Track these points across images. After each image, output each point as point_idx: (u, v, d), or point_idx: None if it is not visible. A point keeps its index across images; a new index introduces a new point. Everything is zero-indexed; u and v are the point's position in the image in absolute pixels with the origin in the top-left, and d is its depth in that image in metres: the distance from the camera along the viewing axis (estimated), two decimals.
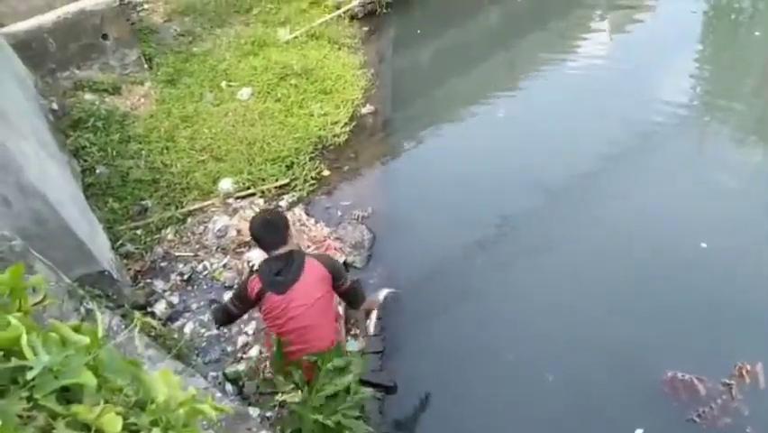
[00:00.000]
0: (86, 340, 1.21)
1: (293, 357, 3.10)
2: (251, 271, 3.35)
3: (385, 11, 8.65)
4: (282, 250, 3.14)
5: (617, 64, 7.25)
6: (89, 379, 1.08)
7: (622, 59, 7.39)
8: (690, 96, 6.72)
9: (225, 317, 3.39)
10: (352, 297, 3.40)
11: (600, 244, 4.87)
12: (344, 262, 4.93)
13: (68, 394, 1.09)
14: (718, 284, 4.43)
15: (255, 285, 3.13)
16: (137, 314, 1.38)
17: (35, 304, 1.46)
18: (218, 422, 2.26)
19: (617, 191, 5.36)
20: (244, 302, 3.23)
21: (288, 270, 3.10)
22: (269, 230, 3.18)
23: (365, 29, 8.35)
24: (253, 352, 4.33)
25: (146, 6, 8.24)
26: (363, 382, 3.33)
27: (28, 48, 6.32)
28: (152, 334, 2.60)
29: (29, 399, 1.04)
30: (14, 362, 1.07)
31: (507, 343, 4.26)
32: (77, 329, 1.26)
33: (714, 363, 3.89)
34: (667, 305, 4.33)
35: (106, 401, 1.13)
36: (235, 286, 3.95)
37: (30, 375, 1.04)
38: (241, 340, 4.40)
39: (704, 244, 4.69)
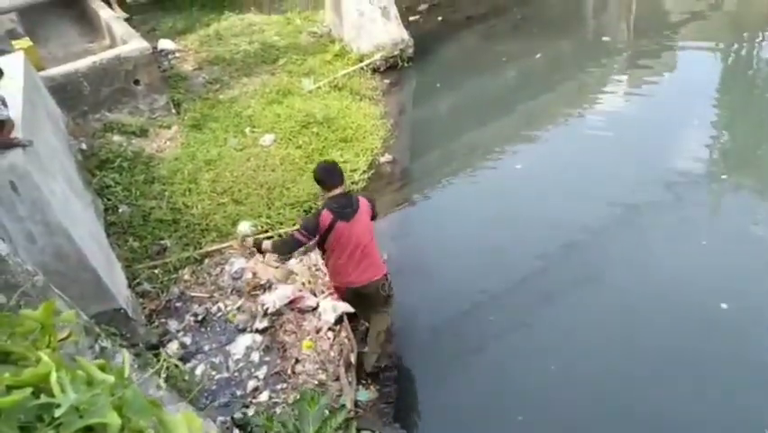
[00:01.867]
0: (111, 379, 1.23)
1: (359, 283, 4.04)
2: (319, 210, 4.02)
3: (406, 64, 8.92)
4: (340, 189, 3.97)
5: (635, 120, 7.34)
6: (114, 419, 1.09)
7: (640, 115, 7.47)
8: (709, 152, 6.75)
9: (293, 247, 4.19)
10: (375, 215, 4.24)
11: (615, 302, 4.79)
12: None
13: None
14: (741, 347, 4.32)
15: (327, 217, 3.88)
16: (163, 354, 1.39)
17: (61, 340, 1.49)
18: None
19: (634, 248, 5.31)
20: (314, 233, 3.96)
21: (349, 204, 3.95)
22: (331, 173, 4.01)
23: (386, 81, 8.60)
24: (263, 397, 4.27)
25: (177, 55, 8.60)
26: None
27: (63, 90, 6.61)
28: (164, 375, 2.60)
29: None
30: (43, 399, 1.08)
31: (519, 400, 4.16)
32: (102, 368, 1.28)
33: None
34: (689, 371, 4.22)
35: None
36: (300, 232, 4.08)
37: (57, 413, 1.05)
38: (251, 384, 4.35)
39: (724, 306, 4.60)
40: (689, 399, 4.00)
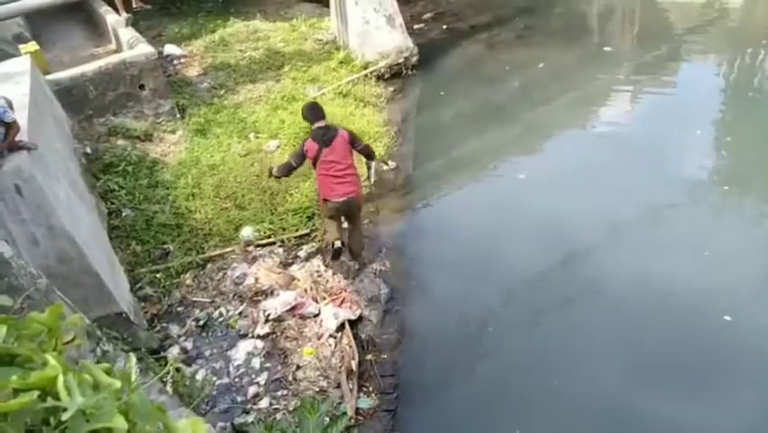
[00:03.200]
0: (117, 384, 1.23)
1: (335, 195, 4.96)
2: (305, 140, 5.08)
3: (410, 72, 8.96)
4: (322, 123, 5.02)
5: (638, 131, 7.34)
6: (120, 423, 1.09)
7: (644, 126, 7.48)
8: (711, 163, 6.74)
9: (288, 168, 5.16)
10: (366, 152, 5.37)
11: (618, 314, 4.76)
12: (360, 317, 4.91)
13: None
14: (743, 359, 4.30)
15: (311, 144, 4.96)
16: (169, 359, 1.39)
17: (66, 343, 1.49)
18: None
19: (636, 259, 5.29)
20: (301, 157, 5.05)
21: (329, 133, 4.97)
22: (315, 110, 5.10)
23: (391, 89, 8.62)
24: (263, 403, 4.26)
25: (183, 60, 8.64)
26: None
27: (69, 94, 6.64)
28: (170, 380, 2.59)
29: None
30: (50, 402, 1.08)
31: (519, 413, 4.14)
32: (108, 372, 1.28)
33: None
34: (692, 384, 4.20)
35: None
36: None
37: (64, 417, 1.05)
38: (251, 390, 4.34)
39: (728, 318, 4.59)
40: (692, 412, 3.97)
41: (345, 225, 5.42)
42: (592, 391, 4.19)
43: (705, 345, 4.44)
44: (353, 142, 5.10)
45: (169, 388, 1.60)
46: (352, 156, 5.11)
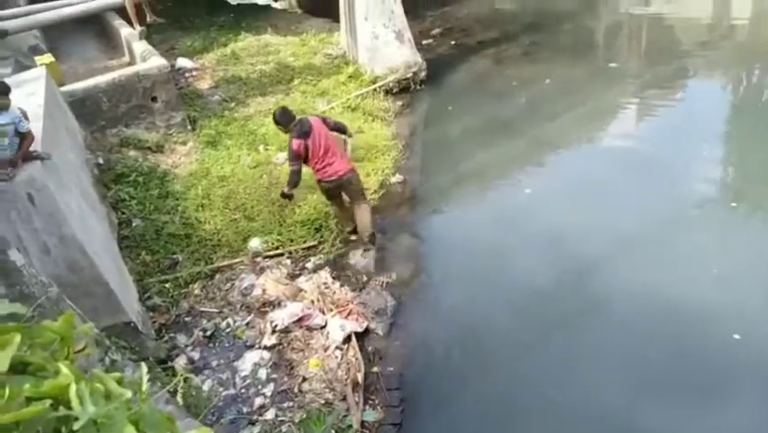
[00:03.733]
0: (128, 393, 1.25)
1: (336, 175, 5.45)
2: (290, 143, 5.43)
3: (419, 87, 9.03)
4: (295, 121, 5.45)
5: (645, 147, 7.34)
6: None
7: (650, 142, 7.47)
8: (718, 181, 6.72)
9: (297, 178, 5.50)
10: (339, 127, 5.77)
11: (624, 331, 4.72)
12: (366, 329, 4.91)
13: None
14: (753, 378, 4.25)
15: (297, 142, 5.33)
16: (180, 369, 1.41)
17: (77, 352, 1.51)
18: None
19: (643, 276, 5.25)
20: (297, 158, 5.39)
21: (304, 126, 5.40)
22: (286, 115, 5.50)
23: (399, 103, 8.69)
24: (269, 415, 4.26)
25: (195, 73, 8.75)
26: None
27: (83, 105, 6.75)
28: (180, 390, 2.61)
29: None
30: (62, 411, 1.10)
31: (523, 429, 4.11)
32: (119, 381, 1.30)
33: None
34: (701, 404, 4.16)
35: None
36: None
37: (76, 426, 1.07)
38: (257, 402, 4.34)
39: (737, 336, 4.54)
40: (698, 431, 3.93)
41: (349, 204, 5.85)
42: (598, 408, 4.15)
43: (714, 363, 4.38)
44: (325, 122, 5.60)
45: (179, 398, 1.63)
46: (333, 136, 5.62)
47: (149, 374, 3.29)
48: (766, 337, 4.52)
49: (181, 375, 1.26)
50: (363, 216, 5.71)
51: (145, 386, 1.30)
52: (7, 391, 1.06)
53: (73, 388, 1.14)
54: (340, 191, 5.68)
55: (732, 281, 5.08)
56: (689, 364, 4.38)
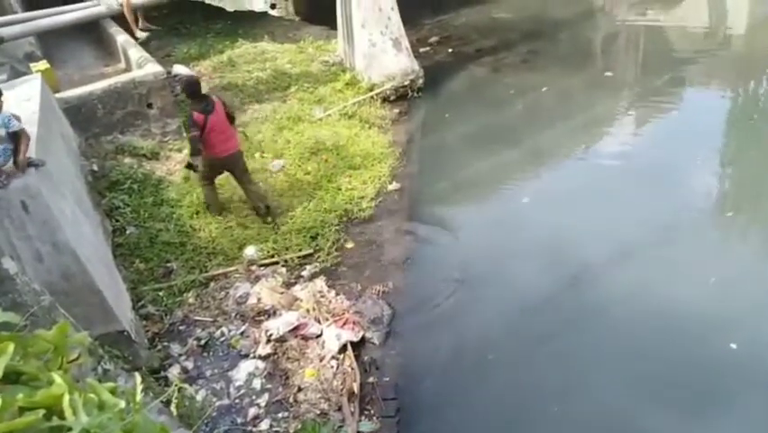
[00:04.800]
0: (121, 403, 1.22)
1: (220, 151, 5.91)
2: (190, 113, 5.79)
3: (416, 95, 9.04)
4: (199, 95, 5.84)
5: (644, 156, 7.35)
6: None
7: (646, 152, 7.50)
8: (715, 190, 6.75)
9: (194, 142, 5.79)
10: (231, 116, 6.11)
11: (620, 341, 4.71)
12: (362, 339, 4.88)
13: None
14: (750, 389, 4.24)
15: (198, 116, 5.71)
16: (175, 379, 1.38)
17: (70, 361, 1.48)
18: None
19: (639, 285, 5.24)
20: (196, 126, 5.72)
21: (209, 103, 5.82)
22: (195, 87, 5.90)
23: (396, 111, 8.69)
24: (264, 425, 4.21)
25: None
26: None
27: (78, 112, 6.72)
28: (174, 401, 2.56)
29: None
30: (55, 421, 1.08)
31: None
32: (112, 391, 1.27)
33: None
34: (698, 414, 4.14)
35: None
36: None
37: None
38: (252, 412, 4.30)
39: (734, 345, 4.54)
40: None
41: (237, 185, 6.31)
42: (593, 418, 4.13)
43: (711, 372, 4.38)
44: (225, 106, 6.04)
45: (173, 408, 1.61)
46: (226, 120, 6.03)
47: (142, 384, 3.24)
48: (762, 347, 4.51)
49: (175, 385, 1.24)
50: (255, 190, 6.22)
51: (139, 396, 1.28)
52: (0, 400, 1.04)
53: (66, 398, 1.12)
54: (222, 171, 6.20)
55: (728, 291, 5.09)
56: (686, 373, 4.37)
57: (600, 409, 4.20)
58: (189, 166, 6.04)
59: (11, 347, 1.14)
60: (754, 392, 4.21)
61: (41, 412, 1.08)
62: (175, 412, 2.16)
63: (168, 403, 4.00)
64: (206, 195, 6.20)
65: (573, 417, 4.14)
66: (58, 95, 6.68)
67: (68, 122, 6.48)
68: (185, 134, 7.47)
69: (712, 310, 4.89)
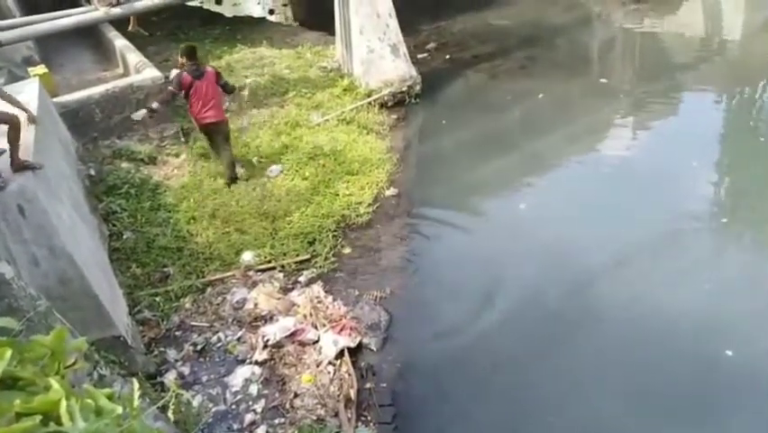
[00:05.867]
0: (119, 409, 1.22)
1: (206, 120, 6.48)
2: (180, 72, 6.42)
3: (413, 101, 9.06)
4: (195, 61, 6.45)
5: (639, 162, 7.38)
6: None
7: (642, 159, 7.53)
8: (710, 196, 6.77)
9: (167, 96, 6.47)
10: (228, 88, 6.81)
11: (616, 349, 4.70)
12: (359, 344, 4.86)
13: None
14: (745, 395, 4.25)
15: (187, 77, 6.30)
16: (173, 385, 1.38)
17: (67, 367, 1.48)
18: None
19: (634, 292, 5.24)
20: (177, 87, 6.32)
21: (199, 69, 6.42)
22: (193, 52, 6.49)
23: (394, 116, 8.71)
24: (260, 431, 4.19)
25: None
26: None
27: (75, 116, 6.72)
28: (172, 406, 2.55)
29: None
30: (52, 427, 1.07)
31: None
32: (110, 397, 1.27)
33: None
34: (689, 416, 4.14)
35: None
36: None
37: None
38: (248, 418, 4.28)
39: (729, 352, 4.54)
40: None
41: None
42: (590, 427, 4.12)
43: (707, 379, 4.38)
44: (218, 78, 6.51)
45: (170, 414, 1.61)
46: (219, 90, 6.55)
47: (139, 390, 3.24)
48: (757, 353, 4.52)
49: (173, 391, 1.24)
50: (226, 156, 6.78)
51: (136, 402, 1.27)
52: None
53: (63, 404, 1.11)
54: (215, 134, 6.69)
55: (723, 297, 5.10)
56: (682, 380, 4.37)
57: (597, 419, 4.19)
58: (150, 110, 6.49)
59: (8, 353, 1.14)
60: (749, 397, 4.21)
61: (38, 418, 1.07)
62: (172, 418, 2.15)
63: (164, 409, 3.99)
64: (213, 155, 6.90)
65: (570, 426, 4.13)
66: (55, 99, 6.68)
67: (65, 126, 6.47)
68: (182, 139, 7.52)
69: (707, 316, 4.90)
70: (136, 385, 1.30)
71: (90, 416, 1.14)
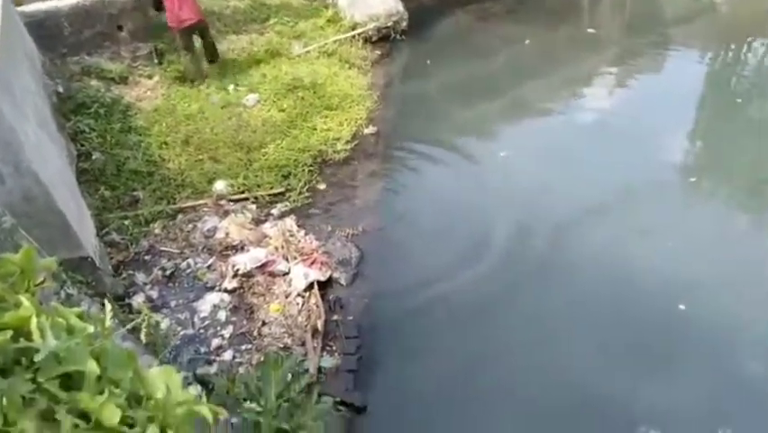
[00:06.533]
0: (90, 328, 1.24)
1: (181, 21, 6.79)
2: None
3: (399, 37, 8.83)
4: None
5: (618, 116, 7.43)
6: (92, 368, 1.10)
7: (623, 112, 7.57)
8: (684, 155, 6.91)
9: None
10: None
11: (578, 296, 4.93)
12: (330, 278, 4.96)
13: (69, 381, 1.11)
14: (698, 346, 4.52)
15: None
16: (140, 308, 1.40)
17: (37, 285, 1.48)
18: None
19: (603, 242, 5.43)
20: None
21: None
22: None
23: (377, 52, 8.50)
24: (227, 356, 4.31)
25: (165, 4, 8.30)
26: (336, 402, 3.35)
27: (42, 28, 6.36)
28: (144, 330, 2.59)
29: (32, 381, 1.06)
30: (23, 343, 1.09)
31: (481, 382, 4.28)
32: (80, 316, 1.29)
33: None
34: (643, 365, 4.40)
35: (101, 392, 1.16)
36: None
37: (36, 358, 1.06)
38: (215, 343, 4.38)
39: (682, 306, 4.79)
40: (644, 392, 4.17)
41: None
42: (553, 371, 4.33)
43: (660, 331, 4.62)
44: None
45: (142, 336, 1.65)
46: None
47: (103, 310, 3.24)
48: (708, 309, 4.77)
49: (145, 314, 1.26)
50: (209, 45, 7.29)
51: (108, 322, 1.30)
52: None
53: (34, 321, 1.13)
54: (191, 37, 7.00)
55: (684, 254, 5.31)
56: (638, 331, 4.60)
57: (561, 366, 4.39)
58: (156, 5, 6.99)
59: None
60: (698, 351, 4.47)
61: (9, 334, 1.09)
62: (144, 340, 2.19)
63: (134, 330, 4.05)
64: (185, 63, 7.08)
65: (532, 369, 4.33)
66: (20, 8, 6.29)
67: (31, 38, 6.14)
68: (156, 60, 7.23)
69: (668, 272, 5.10)
70: (108, 306, 1.32)
71: (62, 334, 1.16)
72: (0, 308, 1.18)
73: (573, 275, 5.11)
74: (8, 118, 3.84)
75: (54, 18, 6.49)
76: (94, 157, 5.67)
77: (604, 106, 7.73)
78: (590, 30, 9.90)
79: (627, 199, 5.95)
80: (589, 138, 7.01)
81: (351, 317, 4.70)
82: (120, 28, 6.90)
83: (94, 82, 6.53)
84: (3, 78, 4.10)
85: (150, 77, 6.96)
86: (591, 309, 4.81)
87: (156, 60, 7.19)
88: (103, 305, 4.17)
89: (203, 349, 4.34)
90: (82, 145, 5.72)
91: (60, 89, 6.14)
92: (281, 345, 4.32)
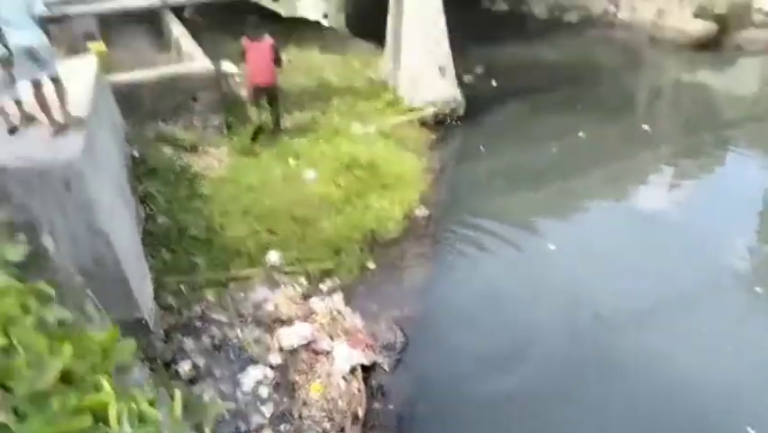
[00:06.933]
0: (159, 416, 1.25)
1: (256, 82, 7.59)
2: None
3: (455, 123, 9.08)
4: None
5: (674, 216, 7.27)
6: None
7: (680, 212, 7.41)
8: (745, 262, 6.60)
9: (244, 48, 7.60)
10: (278, 62, 7.66)
11: (634, 404, 4.63)
12: (373, 363, 4.86)
13: None
14: None
15: (246, 41, 7.44)
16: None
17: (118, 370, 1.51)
18: None
19: (659, 346, 5.14)
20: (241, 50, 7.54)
21: (261, 40, 7.41)
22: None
23: (433, 136, 8.74)
24: None
25: (238, 79, 8.89)
26: None
27: (126, 97, 6.87)
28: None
29: None
30: (102, 428, 1.10)
31: None
32: (152, 403, 1.30)
33: None
34: None
35: None
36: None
37: None
38: (256, 421, 4.31)
39: (752, 431, 4.41)
40: None
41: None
42: None
43: None
44: (274, 50, 7.45)
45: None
46: (271, 58, 7.45)
47: (155, 376, 3.24)
48: None
49: (211, 406, 1.24)
50: (275, 113, 7.88)
51: (178, 412, 1.30)
52: (55, 402, 1.07)
53: (113, 407, 1.14)
54: (261, 97, 7.70)
55: (747, 369, 4.97)
56: None
57: None
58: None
59: (69, 350, 1.18)
60: None
61: (90, 419, 1.11)
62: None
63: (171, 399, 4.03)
64: (251, 112, 7.78)
65: None
66: (109, 77, 6.85)
67: (117, 107, 6.63)
68: (225, 132, 7.66)
69: (728, 387, 4.77)
70: (178, 394, 1.33)
71: (134, 421, 1.17)
72: (81, 390, 1.21)
73: (620, 379, 4.88)
74: (86, 178, 4.08)
75: (137, 88, 7.03)
76: (159, 221, 5.92)
77: (658, 206, 7.60)
78: (645, 127, 9.90)
79: (685, 303, 5.72)
80: (642, 236, 6.82)
81: (391, 406, 4.55)
82: (195, 99, 7.39)
83: (167, 149, 6.93)
84: (88, 142, 4.40)
85: (218, 147, 7.35)
86: (647, 419, 4.50)
87: (225, 132, 7.61)
88: (152, 370, 4.22)
89: (243, 427, 4.25)
90: (150, 208, 6.00)
91: (136, 153, 6.53)
92: (320, 430, 4.20)
